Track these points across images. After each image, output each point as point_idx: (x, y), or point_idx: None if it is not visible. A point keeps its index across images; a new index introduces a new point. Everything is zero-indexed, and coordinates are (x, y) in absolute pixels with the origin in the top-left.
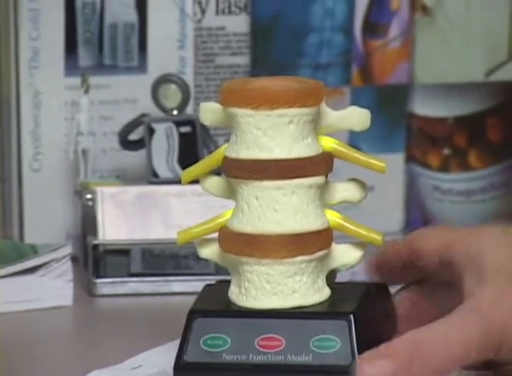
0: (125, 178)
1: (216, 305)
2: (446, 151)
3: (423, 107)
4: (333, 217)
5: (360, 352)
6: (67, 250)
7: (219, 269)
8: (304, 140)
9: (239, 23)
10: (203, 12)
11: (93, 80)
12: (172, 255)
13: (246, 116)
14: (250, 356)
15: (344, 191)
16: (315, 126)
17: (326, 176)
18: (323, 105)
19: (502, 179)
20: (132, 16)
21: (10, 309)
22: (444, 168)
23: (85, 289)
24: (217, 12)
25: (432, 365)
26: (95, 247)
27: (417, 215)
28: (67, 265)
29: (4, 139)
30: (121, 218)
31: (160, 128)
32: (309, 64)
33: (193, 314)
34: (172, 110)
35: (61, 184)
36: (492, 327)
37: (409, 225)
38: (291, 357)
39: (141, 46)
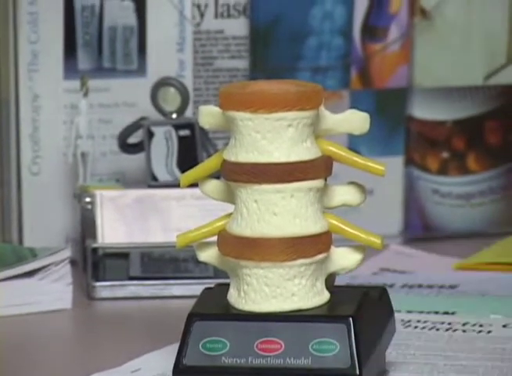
0: (124, 181)
1: (215, 308)
2: (445, 154)
3: (422, 111)
4: (332, 220)
5: (359, 355)
6: (66, 253)
7: (218, 273)
8: (303, 143)
9: (238, 27)
10: (202, 15)
11: (92, 83)
12: (171, 259)
13: (245, 119)
14: (250, 360)
15: (344, 194)
16: (314, 129)
17: (325, 180)
18: (322, 108)
19: (501, 183)
20: (131, 19)
21: (9, 313)
22: (443, 171)
23: (84, 292)
24: (216, 16)
25: None
26: (95, 250)
27: (416, 218)
28: (66, 269)
29: (3, 143)
30: (120, 221)
31: (159, 132)
32: (308, 67)
33: (192, 317)
34: (171, 113)
35: (60, 187)
36: None
37: (408, 229)
38: (290, 360)
39: (140, 49)
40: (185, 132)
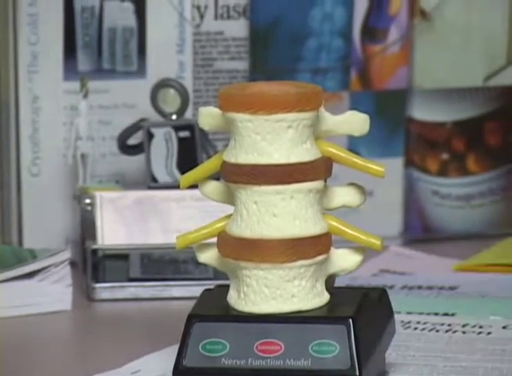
0: (124, 182)
1: (215, 309)
2: (445, 156)
3: (422, 112)
4: (332, 221)
5: (359, 356)
6: (66, 255)
7: (218, 274)
8: (303, 145)
9: (238, 28)
10: (201, 16)
11: (92, 84)
12: (171, 260)
13: (244, 121)
14: (250, 361)
15: (343, 196)
16: (314, 131)
17: (325, 181)
18: (322, 110)
19: (501, 184)
20: (131, 21)
21: (9, 314)
22: (443, 172)
23: (84, 294)
24: (216, 17)
25: None
26: (94, 251)
27: (416, 219)
28: (66, 270)
29: (3, 144)
30: (120, 222)
31: (159, 133)
32: (308, 69)
33: (192, 319)
34: (171, 114)
35: (60, 189)
36: None
37: (408, 230)
38: (290, 362)
39: (140, 51)
40: (184, 134)
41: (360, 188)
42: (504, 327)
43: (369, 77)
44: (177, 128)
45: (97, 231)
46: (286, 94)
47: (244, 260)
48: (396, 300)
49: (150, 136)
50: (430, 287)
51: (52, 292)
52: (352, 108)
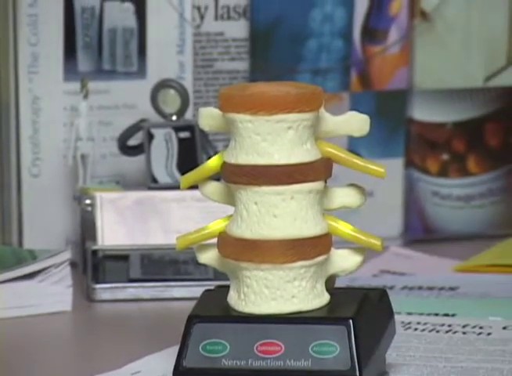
0: (124, 183)
1: (215, 310)
2: (445, 156)
3: (422, 112)
4: (332, 222)
5: (359, 357)
6: (66, 255)
7: (218, 275)
8: (304, 145)
9: (238, 29)
10: (202, 17)
11: (92, 85)
12: (171, 261)
13: (245, 121)
14: (250, 362)
15: (343, 196)
16: (315, 131)
17: (326, 181)
18: (322, 110)
19: (501, 185)
20: (131, 21)
21: (9, 315)
22: (443, 173)
23: (84, 294)
24: (216, 18)
25: None
26: (95, 252)
27: (416, 220)
28: (66, 271)
29: (3, 145)
30: (120, 223)
31: (159, 134)
32: (308, 69)
33: (192, 319)
34: (171, 115)
35: (60, 189)
36: None
37: (408, 231)
38: (290, 362)
39: (140, 51)
40: (185, 134)
41: (360, 189)
42: (504, 328)
43: (370, 78)
44: (177, 129)
45: (97, 232)
46: (287, 95)
47: (244, 261)
48: (396, 300)
49: (150, 137)
50: (430, 288)
51: (52, 293)
52: (352, 109)
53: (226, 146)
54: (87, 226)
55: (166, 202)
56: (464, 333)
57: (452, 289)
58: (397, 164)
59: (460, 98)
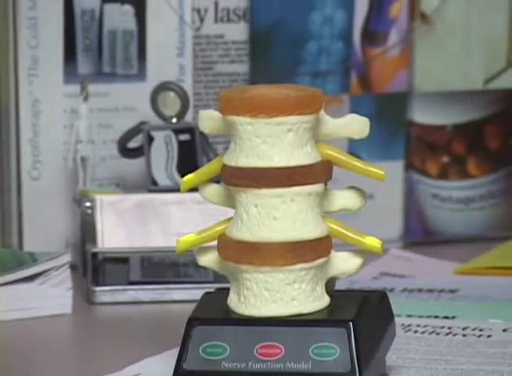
0: (124, 186)
1: (215, 312)
2: (445, 159)
3: (422, 115)
4: (332, 225)
5: (359, 359)
6: (66, 258)
7: (218, 277)
8: (304, 148)
9: (238, 31)
10: (201, 20)
11: (92, 87)
12: (171, 263)
13: (245, 124)
14: (250, 364)
15: (344, 199)
16: (314, 134)
17: (326, 184)
18: (322, 113)
19: (501, 187)
20: (131, 24)
21: (9, 317)
22: (443, 175)
23: (84, 297)
24: (216, 20)
25: None
26: (95, 255)
27: (416, 222)
28: (66, 273)
29: (3, 147)
30: (120, 226)
31: (159, 136)
32: (308, 72)
33: (192, 322)
34: (171, 117)
35: (60, 192)
36: None
37: (408, 233)
38: (291, 365)
39: (140, 54)
40: (185, 137)
41: (360, 191)
42: (504, 330)
43: (370, 81)
44: (177, 132)
45: (97, 234)
46: (287, 97)
47: (244, 263)
48: (396, 303)
49: (150, 139)
50: (430, 290)
51: (52, 295)
52: (352, 111)
53: (226, 149)
54: (87, 229)
55: (166, 205)
56: (464, 335)
57: (452, 291)
58: (397, 166)
59: (460, 100)
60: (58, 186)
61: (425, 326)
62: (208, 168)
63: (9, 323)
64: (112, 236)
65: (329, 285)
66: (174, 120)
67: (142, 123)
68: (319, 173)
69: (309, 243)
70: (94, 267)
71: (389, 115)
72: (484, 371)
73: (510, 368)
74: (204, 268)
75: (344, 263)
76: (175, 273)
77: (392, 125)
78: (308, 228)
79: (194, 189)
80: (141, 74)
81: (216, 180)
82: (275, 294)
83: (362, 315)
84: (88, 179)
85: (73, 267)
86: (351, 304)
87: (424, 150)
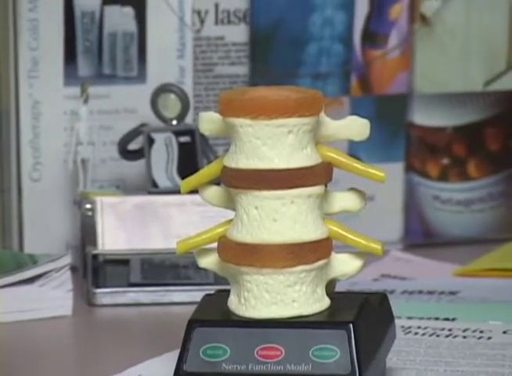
0: (125, 187)
1: (215, 314)
2: (445, 161)
3: (423, 117)
4: (332, 226)
5: (359, 361)
6: (67, 260)
7: (218, 279)
8: (304, 150)
9: (239, 33)
10: (202, 21)
11: (92, 89)
12: (172, 265)
13: (245, 126)
14: (250, 366)
15: (344, 201)
16: (315, 136)
17: (326, 186)
18: (322, 115)
19: (501, 189)
20: (131, 26)
21: (10, 319)
22: (443, 177)
23: (85, 299)
24: (216, 22)
25: None
26: (95, 257)
27: (416, 224)
28: (67, 275)
29: (3, 149)
30: (121, 228)
31: (159, 138)
32: (308, 74)
33: (193, 324)
34: (172, 119)
35: (60, 194)
36: None
37: (409, 235)
38: (291, 367)
39: (140, 56)
40: (185, 139)
41: (360, 193)
42: (505, 332)
43: (370, 82)
44: (177, 133)
45: (97, 236)
46: (287, 99)
47: (245, 265)
48: (397, 305)
49: (151, 141)
50: (430, 292)
51: (52, 297)
52: (353, 113)
53: (226, 151)
54: (87, 231)
55: (166, 206)
56: (464, 337)
57: (452, 293)
58: (397, 168)
59: (460, 102)
60: (58, 187)
61: (425, 328)
62: (208, 170)
63: (9, 325)
64: (112, 238)
65: (330, 287)
66: (174, 122)
67: (143, 125)
68: (319, 175)
69: (309, 245)
70: (94, 269)
71: (389, 117)
72: (485, 373)
73: (511, 370)
74: (204, 270)
75: (344, 265)
76: (176, 275)
77: (392, 127)
78: (308, 230)
79: (194, 191)
80: (141, 76)
81: (216, 182)
82: (275, 295)
83: (362, 317)
84: (88, 181)
85: (73, 269)
86: (352, 306)
87: (424, 152)
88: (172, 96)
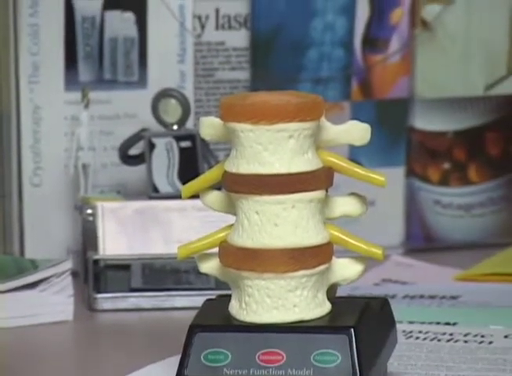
0: (125, 193)
1: (217, 319)
2: (446, 165)
3: (423, 121)
4: (333, 231)
5: (361, 366)
6: (68, 265)
7: (220, 284)
8: (305, 155)
9: (239, 38)
10: (202, 26)
11: (93, 95)
12: (173, 270)
13: (246, 131)
14: (251, 371)
15: (345, 205)
16: (315, 141)
17: (327, 190)
18: (323, 119)
19: (501, 193)
20: (132, 31)
21: (11, 324)
22: (444, 182)
23: (86, 304)
24: (217, 27)
25: None
26: (96, 262)
27: (417, 229)
28: (68, 280)
29: (4, 154)
30: (122, 233)
31: (160, 143)
32: (309, 79)
33: (194, 329)
34: (172, 124)
35: (61, 199)
36: None
37: (410, 239)
38: (292, 371)
39: (141, 61)
40: (186, 144)
41: (361, 198)
42: (506, 337)
43: (371, 87)
44: (178, 138)
45: (98, 241)
46: (288, 104)
47: (246, 270)
48: (398, 309)
49: (151, 146)
50: (431, 297)
51: (53, 302)
52: (353, 118)
53: (227, 156)
54: (88, 236)
55: (167, 212)
56: (466, 342)
57: (453, 298)
58: (398, 172)
59: (461, 107)
60: (59, 192)
61: (426, 332)
62: (209, 175)
63: (10, 330)
64: (113, 243)
65: (331, 292)
66: (175, 127)
67: (143, 130)
68: (320, 180)
69: (311, 249)
70: (95, 274)
71: (390, 122)
72: None
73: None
74: (206, 275)
75: (345, 270)
76: (177, 280)
77: (393, 132)
78: (309, 234)
79: (195, 196)
80: (142, 81)
81: (217, 187)
82: (276, 300)
83: (363, 321)
84: (89, 186)
85: (74, 274)
86: (353, 310)
87: (425, 157)
88: (173, 101)
